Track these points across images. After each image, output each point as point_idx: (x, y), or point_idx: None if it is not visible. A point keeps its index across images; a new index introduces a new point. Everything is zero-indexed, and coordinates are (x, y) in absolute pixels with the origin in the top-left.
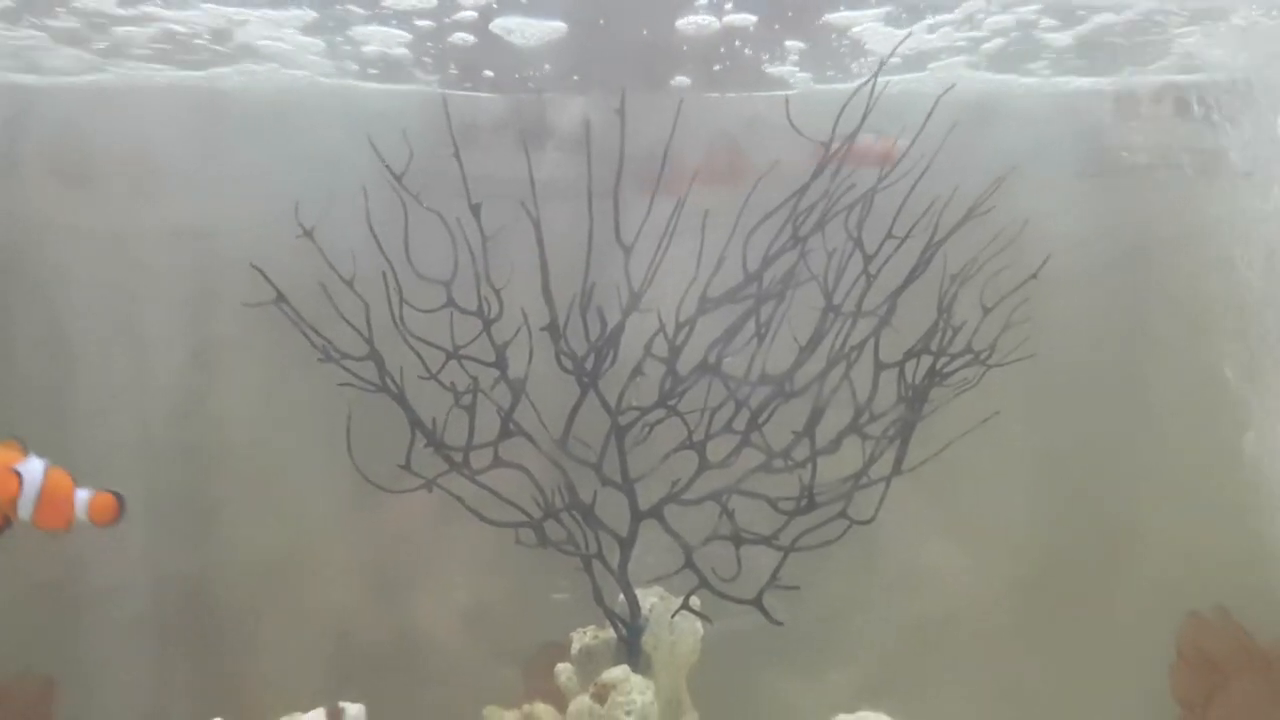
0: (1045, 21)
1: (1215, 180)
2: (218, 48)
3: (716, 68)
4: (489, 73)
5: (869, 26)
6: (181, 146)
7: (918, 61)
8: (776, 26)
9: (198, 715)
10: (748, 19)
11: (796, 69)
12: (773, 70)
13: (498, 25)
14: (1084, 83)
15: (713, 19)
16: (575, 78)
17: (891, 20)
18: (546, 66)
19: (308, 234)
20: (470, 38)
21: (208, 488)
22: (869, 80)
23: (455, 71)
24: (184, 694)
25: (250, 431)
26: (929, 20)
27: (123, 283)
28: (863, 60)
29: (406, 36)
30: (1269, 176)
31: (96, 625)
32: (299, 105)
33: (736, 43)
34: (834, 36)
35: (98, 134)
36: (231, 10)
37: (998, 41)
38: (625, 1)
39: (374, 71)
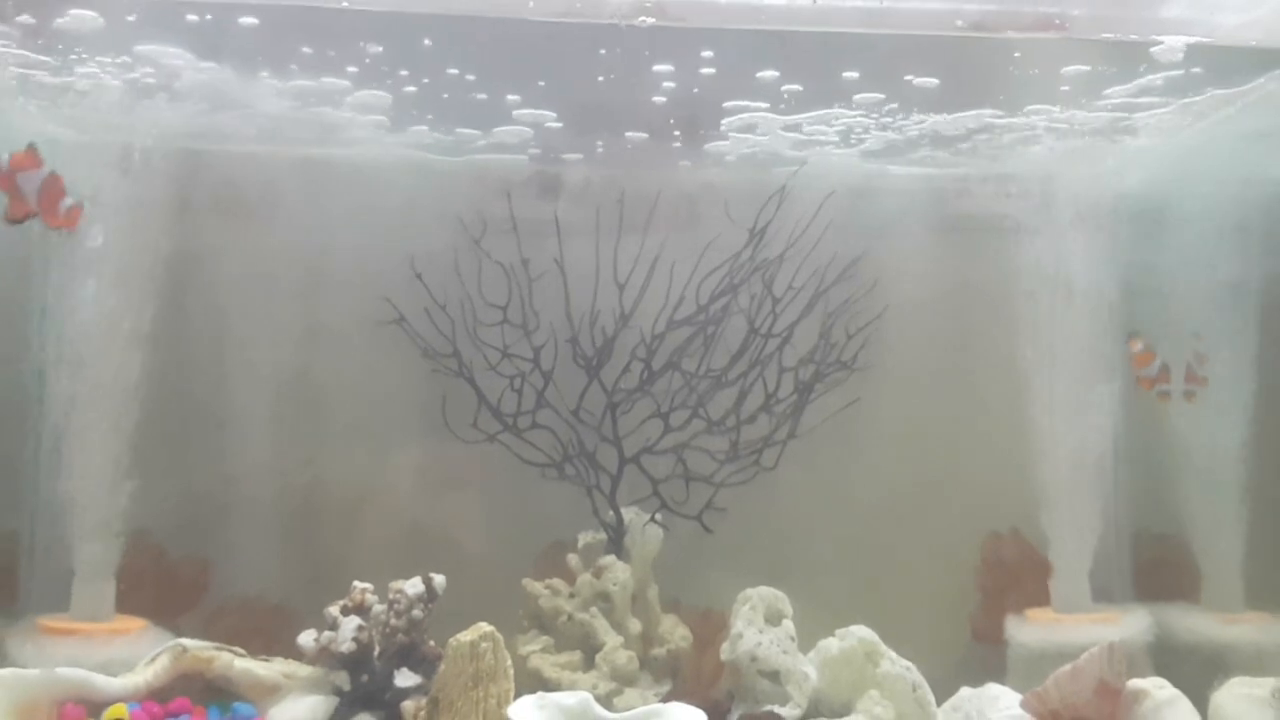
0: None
1: (1019, 237)
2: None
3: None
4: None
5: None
6: (304, 196)
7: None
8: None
9: (311, 586)
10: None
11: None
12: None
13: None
14: (935, 171)
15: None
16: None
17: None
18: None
19: (418, 277)
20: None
21: (317, 427)
22: (775, 194)
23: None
24: (302, 572)
25: (350, 388)
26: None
27: (261, 286)
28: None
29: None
30: (1053, 236)
31: (240, 521)
32: (385, 169)
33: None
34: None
35: (247, 185)
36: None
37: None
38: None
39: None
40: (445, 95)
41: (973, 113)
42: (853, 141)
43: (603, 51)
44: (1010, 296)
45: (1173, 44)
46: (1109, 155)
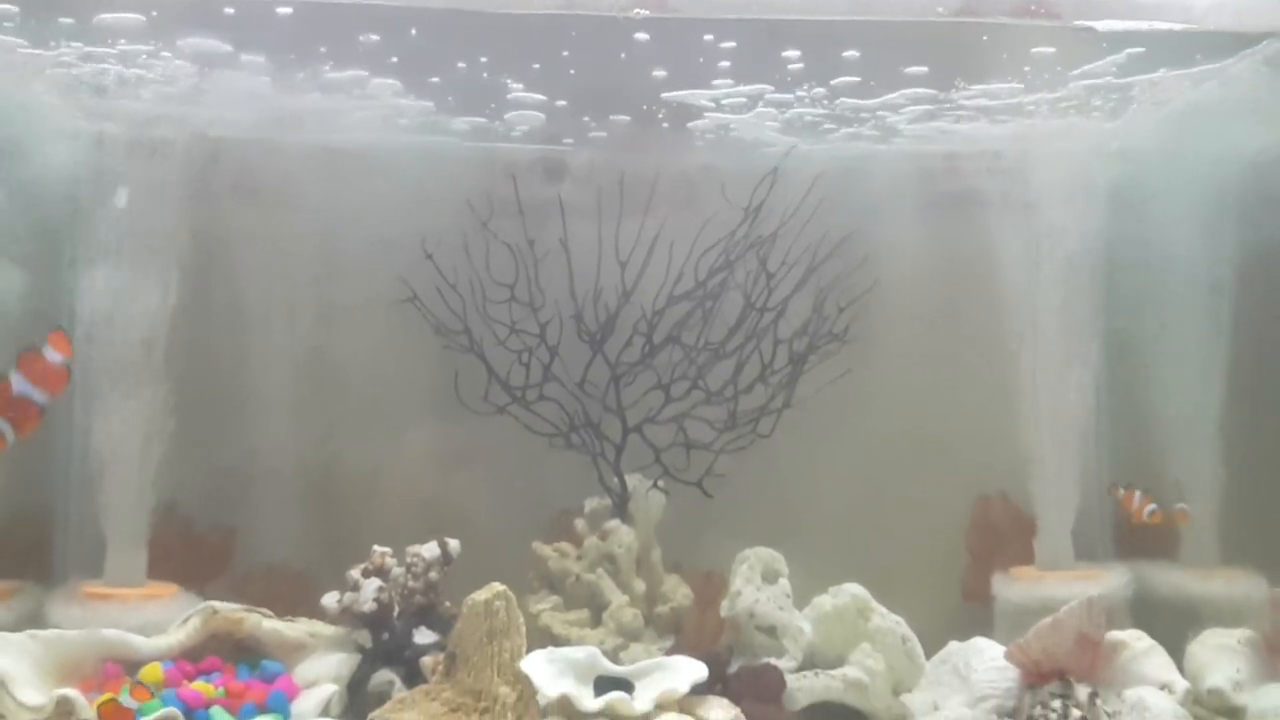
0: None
1: (1005, 211)
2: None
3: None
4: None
5: None
6: (321, 182)
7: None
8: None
9: (329, 553)
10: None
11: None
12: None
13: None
14: (922, 147)
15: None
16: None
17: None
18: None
19: (429, 257)
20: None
21: (333, 403)
22: (769, 174)
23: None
24: (321, 540)
25: (361, 366)
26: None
27: (276, 267)
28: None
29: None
30: (1032, 210)
31: (263, 493)
32: (397, 155)
33: None
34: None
35: (263, 171)
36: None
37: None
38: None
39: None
40: (455, 84)
41: (948, 92)
42: (845, 121)
43: (602, 42)
44: (995, 269)
45: (1138, 26)
46: (1084, 134)
